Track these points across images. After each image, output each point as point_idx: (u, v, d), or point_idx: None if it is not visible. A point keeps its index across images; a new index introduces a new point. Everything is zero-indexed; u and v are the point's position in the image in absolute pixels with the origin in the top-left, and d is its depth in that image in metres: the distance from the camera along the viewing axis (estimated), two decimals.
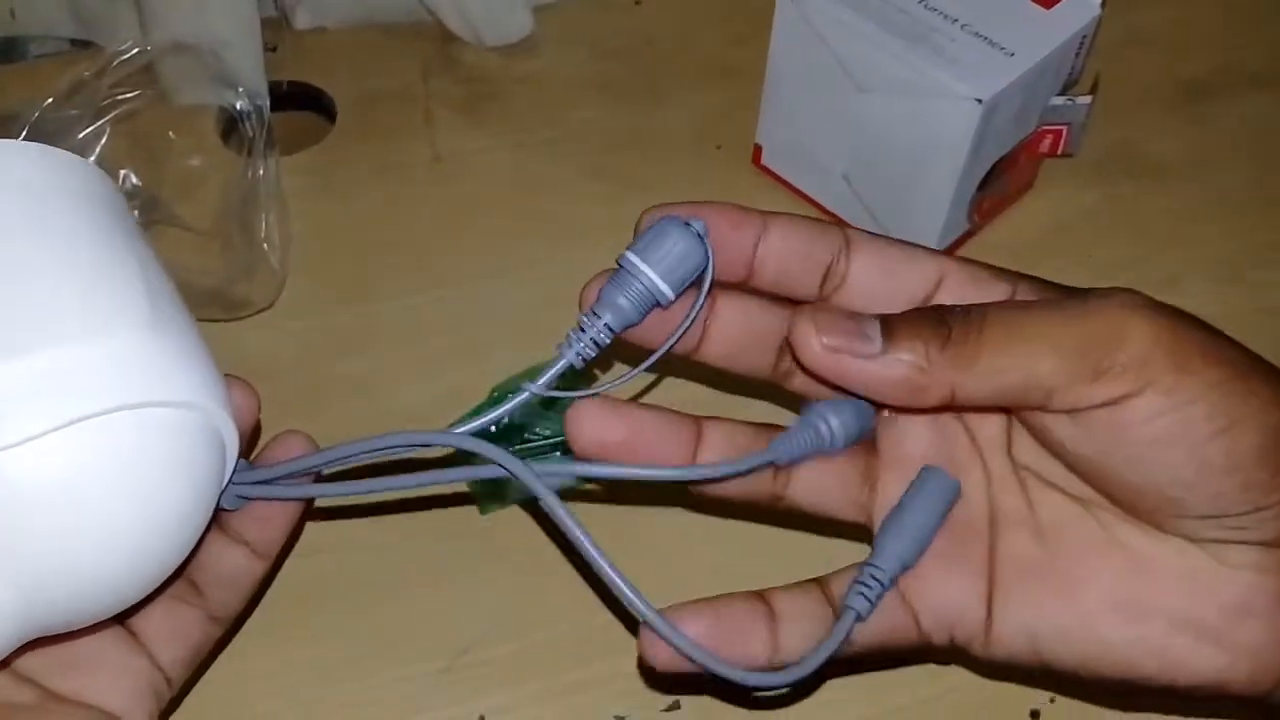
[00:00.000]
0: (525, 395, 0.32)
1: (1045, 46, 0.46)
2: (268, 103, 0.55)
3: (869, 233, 0.33)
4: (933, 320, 0.30)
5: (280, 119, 0.57)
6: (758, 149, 0.54)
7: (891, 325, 0.30)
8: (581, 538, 0.31)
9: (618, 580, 0.30)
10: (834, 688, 0.40)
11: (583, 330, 0.32)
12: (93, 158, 0.51)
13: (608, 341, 0.32)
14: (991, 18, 0.47)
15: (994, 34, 0.46)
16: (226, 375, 0.32)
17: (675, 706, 0.40)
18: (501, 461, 0.31)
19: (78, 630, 0.31)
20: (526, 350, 0.48)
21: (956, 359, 0.29)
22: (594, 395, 0.32)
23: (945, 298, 0.32)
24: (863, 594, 0.32)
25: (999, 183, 0.51)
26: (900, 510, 0.32)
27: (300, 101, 0.58)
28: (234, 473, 0.33)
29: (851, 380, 0.30)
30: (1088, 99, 0.50)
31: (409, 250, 0.52)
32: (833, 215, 0.53)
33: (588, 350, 0.32)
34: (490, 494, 0.44)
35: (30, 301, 0.28)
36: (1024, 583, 0.32)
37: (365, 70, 0.58)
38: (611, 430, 0.32)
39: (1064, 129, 0.51)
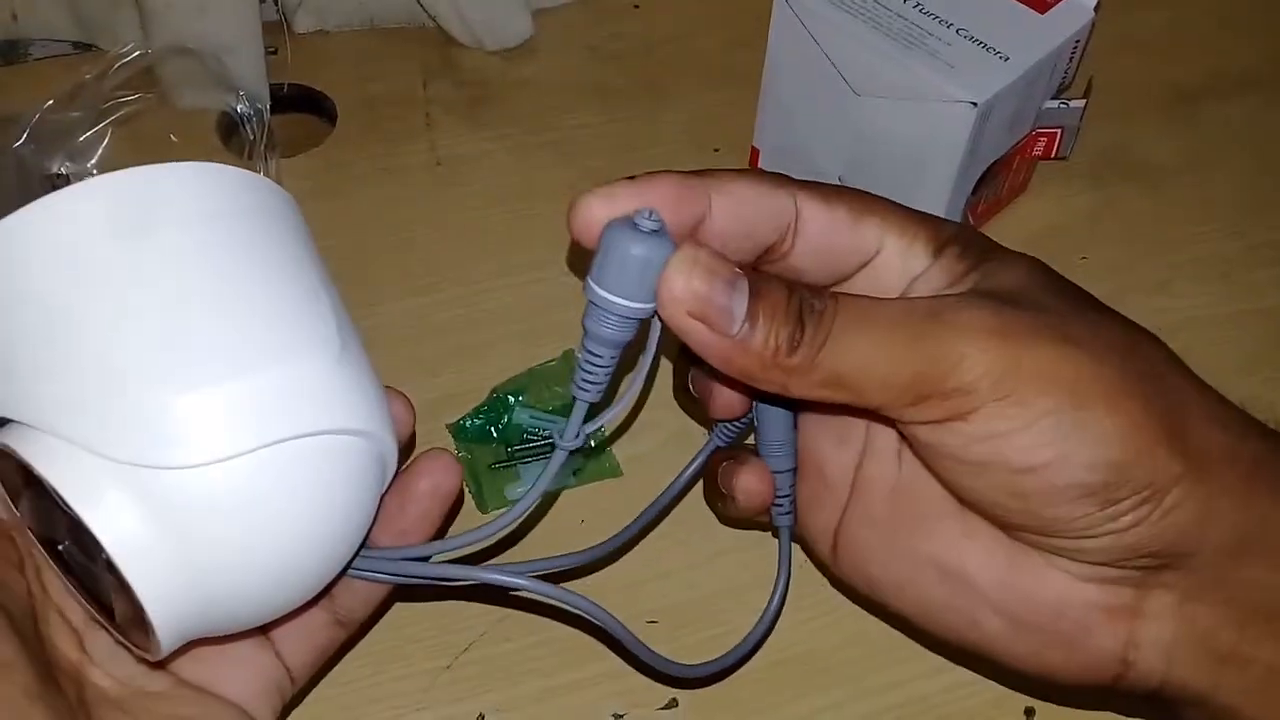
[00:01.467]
0: (561, 455, 0.34)
1: (1039, 50, 0.47)
2: (268, 106, 0.56)
3: (816, 188, 0.33)
4: (795, 317, 0.29)
5: (281, 122, 0.57)
6: (755, 152, 0.55)
7: (754, 310, 0.29)
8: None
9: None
10: (832, 688, 0.41)
11: (585, 371, 0.31)
12: (94, 160, 0.52)
13: (614, 366, 0.31)
14: (986, 22, 0.47)
15: (989, 38, 0.47)
16: (387, 388, 0.34)
17: (673, 704, 0.40)
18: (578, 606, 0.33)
19: (231, 635, 0.33)
20: (526, 351, 0.48)
21: (799, 365, 0.29)
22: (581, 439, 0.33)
23: (882, 260, 0.33)
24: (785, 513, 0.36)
25: (993, 185, 0.51)
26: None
27: (301, 104, 0.58)
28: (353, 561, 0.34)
29: (697, 345, 0.29)
30: (1081, 102, 0.50)
31: (409, 252, 0.52)
32: None
33: (600, 386, 0.32)
34: (490, 492, 0.44)
35: (233, 328, 0.29)
36: (867, 529, 0.34)
37: (365, 73, 0.59)
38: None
39: (1058, 132, 0.51)
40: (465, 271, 0.51)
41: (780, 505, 0.36)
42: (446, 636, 0.41)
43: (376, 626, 0.41)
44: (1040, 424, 0.28)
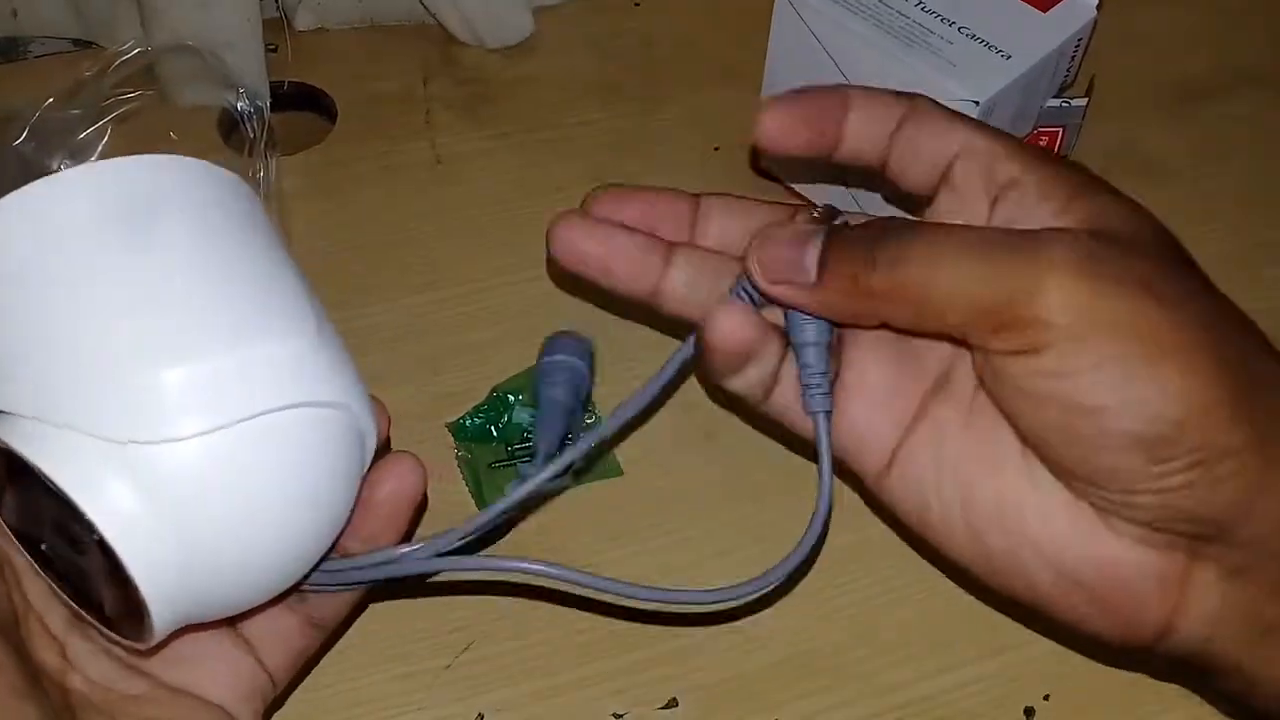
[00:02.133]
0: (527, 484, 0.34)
1: (1042, 49, 0.47)
2: (268, 103, 0.56)
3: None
4: (864, 248, 0.31)
5: (281, 119, 0.57)
6: (756, 150, 0.55)
7: (827, 254, 0.32)
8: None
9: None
10: (834, 689, 0.41)
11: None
12: (94, 157, 0.52)
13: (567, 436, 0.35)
14: (988, 20, 0.47)
15: (991, 36, 0.47)
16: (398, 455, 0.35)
17: (673, 704, 0.40)
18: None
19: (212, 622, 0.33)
20: (526, 351, 0.48)
21: (881, 295, 0.31)
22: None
23: (959, 173, 0.33)
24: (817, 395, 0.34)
25: None
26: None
27: (301, 102, 0.58)
28: (332, 551, 0.34)
29: (790, 304, 0.33)
30: (1084, 101, 0.50)
31: (409, 251, 0.52)
32: None
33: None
34: (490, 491, 0.44)
35: (214, 306, 0.30)
36: (932, 453, 0.34)
37: (366, 71, 0.59)
38: (590, 244, 0.37)
39: (1060, 131, 0.51)
40: (465, 270, 0.51)
41: (812, 386, 0.34)
42: (447, 635, 0.41)
43: (376, 625, 0.41)
44: (1105, 368, 0.28)
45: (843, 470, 0.36)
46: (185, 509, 0.29)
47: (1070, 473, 0.31)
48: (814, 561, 0.41)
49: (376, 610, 0.42)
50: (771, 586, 0.35)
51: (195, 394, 0.29)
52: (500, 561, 0.34)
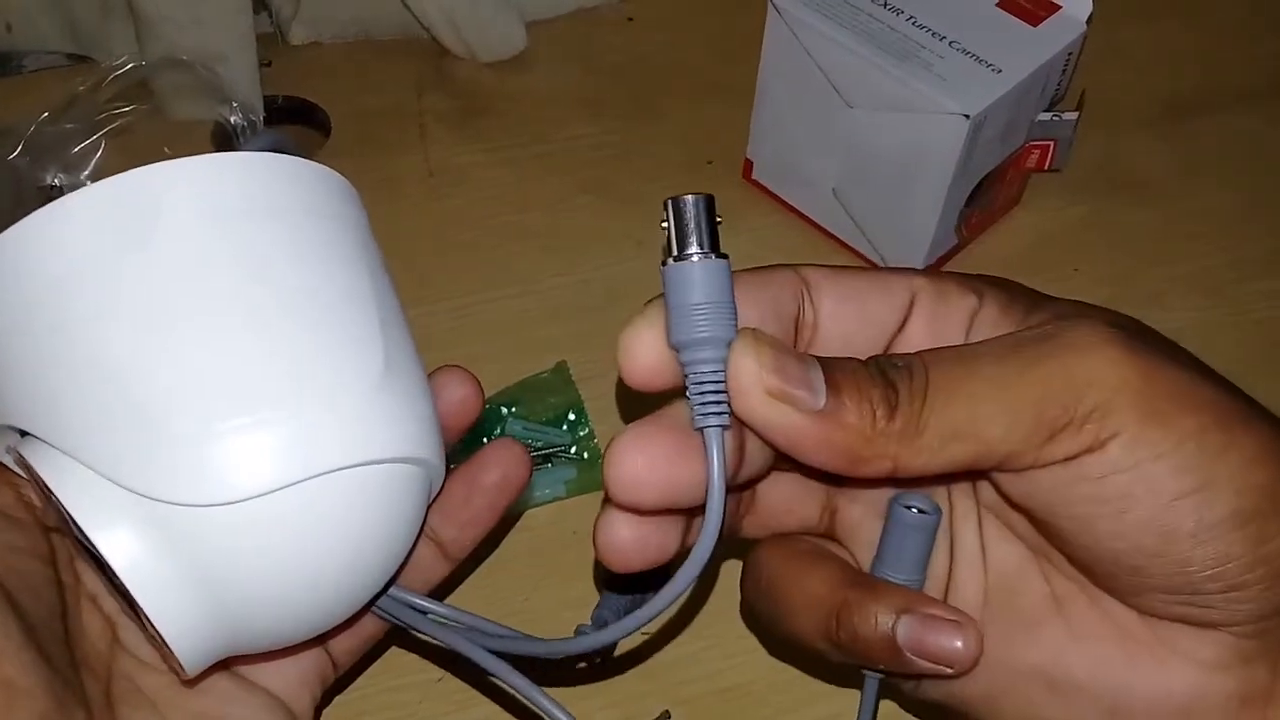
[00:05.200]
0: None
1: (1032, 63, 0.47)
2: (262, 117, 0.56)
3: (826, 267, 0.30)
4: (880, 378, 0.26)
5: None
6: (748, 164, 0.55)
7: (835, 379, 0.26)
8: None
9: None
10: (822, 700, 0.41)
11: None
12: (88, 171, 0.52)
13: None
14: (979, 34, 0.48)
15: (981, 51, 0.47)
16: (450, 367, 0.33)
17: (665, 717, 0.40)
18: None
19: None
20: (519, 363, 0.48)
21: (902, 431, 0.26)
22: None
23: (917, 321, 0.30)
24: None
25: (986, 198, 0.51)
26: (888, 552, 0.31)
27: (295, 116, 0.59)
28: (390, 586, 0.33)
29: (786, 433, 0.26)
30: (1074, 115, 0.50)
31: (402, 264, 0.52)
32: (823, 230, 0.53)
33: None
34: None
35: (260, 354, 0.27)
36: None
37: (359, 85, 0.59)
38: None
39: (1050, 145, 0.51)
40: (458, 283, 0.51)
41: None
42: (439, 647, 0.41)
43: None
44: (1186, 447, 0.25)
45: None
46: (215, 570, 0.27)
47: (1150, 586, 0.27)
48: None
49: None
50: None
51: (232, 458, 0.26)
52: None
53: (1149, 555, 0.26)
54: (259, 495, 0.27)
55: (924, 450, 0.26)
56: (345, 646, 0.35)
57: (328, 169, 0.31)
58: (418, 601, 0.33)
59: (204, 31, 0.54)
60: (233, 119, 0.52)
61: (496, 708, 0.40)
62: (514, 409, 0.46)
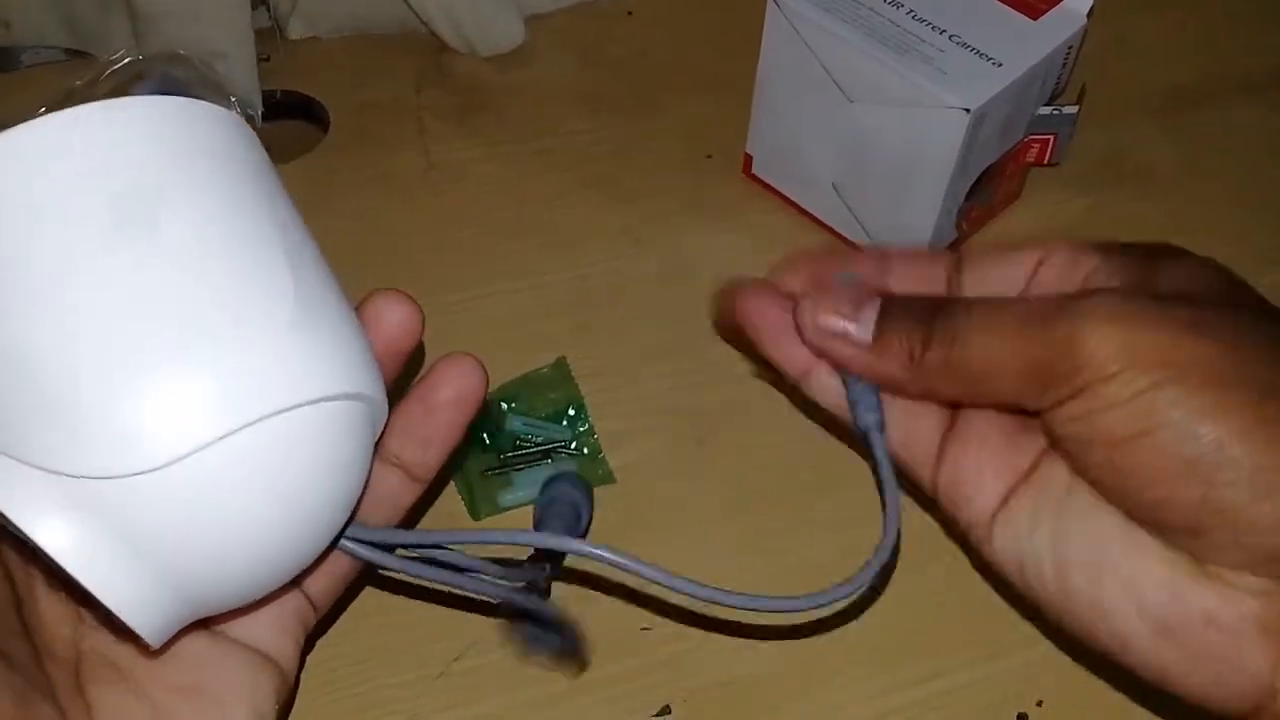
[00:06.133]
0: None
1: (1032, 57, 0.47)
2: (260, 112, 0.56)
3: (973, 252, 0.35)
4: (924, 320, 0.32)
5: (273, 128, 0.57)
6: (748, 158, 0.55)
7: (885, 316, 0.32)
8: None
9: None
10: (823, 695, 0.41)
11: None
12: None
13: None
14: (979, 28, 0.47)
15: (982, 44, 0.47)
16: (386, 291, 0.33)
17: (665, 711, 0.40)
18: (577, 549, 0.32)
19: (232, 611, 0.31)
20: (518, 359, 0.48)
21: (933, 363, 0.31)
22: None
23: (1049, 273, 0.34)
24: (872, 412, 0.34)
25: (987, 192, 0.51)
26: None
27: (293, 111, 0.58)
28: (351, 525, 0.32)
29: (843, 364, 0.33)
30: (1074, 108, 0.50)
31: (401, 259, 0.52)
32: (822, 224, 0.53)
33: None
34: (483, 499, 0.44)
35: (164, 311, 0.26)
36: (1032, 507, 0.33)
37: (358, 80, 0.59)
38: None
39: (1051, 139, 0.51)
40: (457, 278, 0.51)
41: (860, 402, 0.34)
42: (438, 644, 0.41)
43: (367, 634, 0.41)
44: (1174, 385, 0.28)
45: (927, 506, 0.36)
46: (160, 540, 0.27)
47: (1183, 523, 0.29)
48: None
49: (366, 618, 0.42)
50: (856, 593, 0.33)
51: (153, 420, 0.25)
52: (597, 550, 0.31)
53: (1173, 490, 0.29)
54: (181, 458, 0.26)
55: (950, 384, 0.31)
56: (320, 587, 0.35)
57: (213, 105, 0.29)
58: (379, 537, 0.33)
59: (202, 26, 0.54)
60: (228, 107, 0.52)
61: (497, 703, 0.40)
62: (513, 404, 0.46)
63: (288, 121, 0.58)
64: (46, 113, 0.27)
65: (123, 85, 0.50)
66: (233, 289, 0.27)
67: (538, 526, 0.39)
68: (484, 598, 0.32)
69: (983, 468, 0.34)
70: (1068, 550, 0.32)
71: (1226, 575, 0.29)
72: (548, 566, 0.37)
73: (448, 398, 0.34)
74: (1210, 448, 0.28)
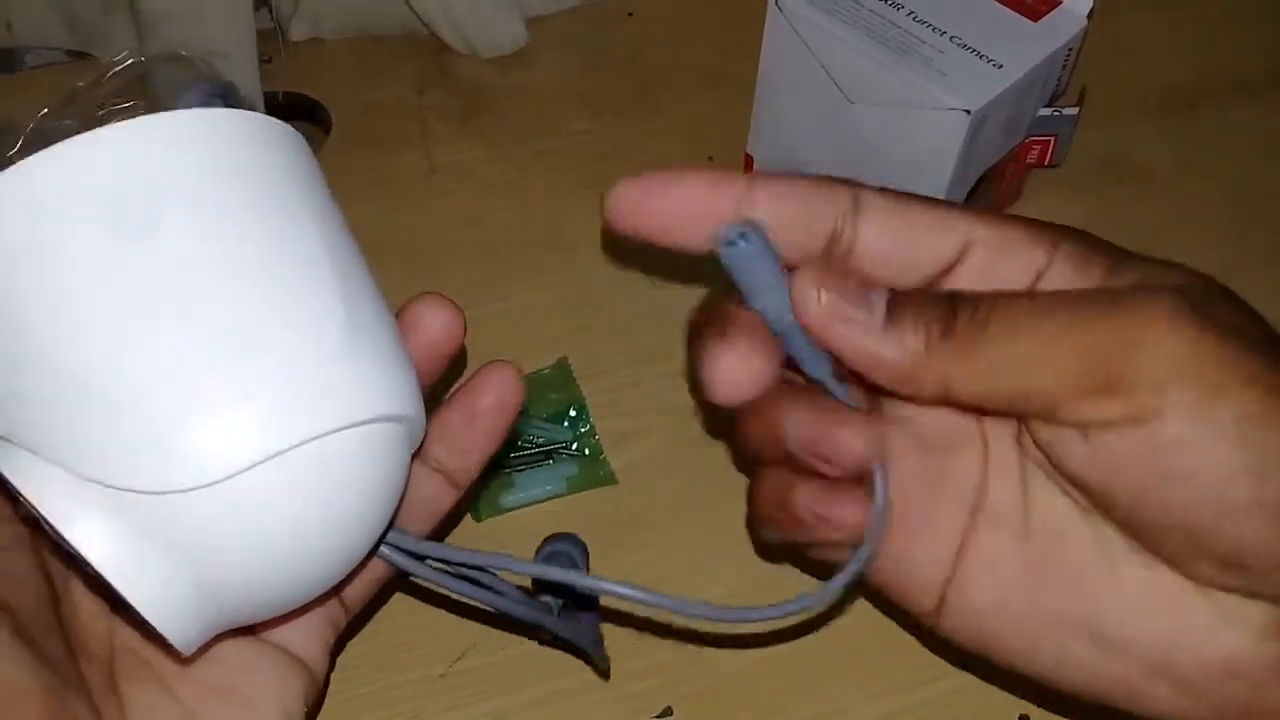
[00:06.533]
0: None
1: (1033, 58, 0.47)
2: (263, 113, 0.56)
3: (884, 190, 0.30)
4: (942, 305, 0.27)
5: None
6: (749, 159, 0.55)
7: (898, 301, 0.28)
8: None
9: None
10: (821, 699, 0.41)
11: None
12: None
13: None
14: (979, 30, 0.48)
15: (982, 46, 0.47)
16: (424, 295, 0.33)
17: (667, 713, 0.40)
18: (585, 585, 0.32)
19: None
20: (521, 360, 0.48)
21: (956, 352, 0.27)
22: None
23: (967, 270, 0.29)
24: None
25: (987, 193, 0.51)
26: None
27: (295, 112, 0.58)
28: (390, 531, 0.32)
29: (845, 349, 0.28)
30: (1074, 110, 0.50)
31: (404, 260, 0.52)
32: None
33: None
34: (485, 500, 0.44)
35: (213, 333, 0.26)
36: (989, 584, 0.31)
37: (360, 81, 0.59)
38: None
39: (1051, 140, 0.51)
40: (459, 279, 0.51)
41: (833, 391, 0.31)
42: (441, 644, 0.41)
43: (369, 634, 0.41)
44: (1243, 421, 0.25)
45: (890, 607, 0.33)
46: (199, 553, 0.27)
47: (1207, 556, 0.27)
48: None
49: (371, 619, 0.42)
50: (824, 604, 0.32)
51: (205, 439, 0.26)
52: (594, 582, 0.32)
53: (1204, 526, 0.26)
54: (228, 477, 0.26)
55: (978, 377, 0.27)
56: (353, 591, 0.35)
57: (263, 117, 0.30)
58: (415, 548, 0.33)
59: (205, 27, 0.54)
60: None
61: (499, 703, 0.40)
62: None
63: (290, 123, 0.58)
64: (48, 114, 0.27)
65: (127, 87, 0.50)
66: (285, 310, 0.27)
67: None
68: (510, 616, 0.33)
69: (912, 547, 0.32)
70: (1056, 624, 0.30)
71: (1247, 617, 0.27)
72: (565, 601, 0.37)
73: (489, 405, 0.34)
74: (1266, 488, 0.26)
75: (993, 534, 0.31)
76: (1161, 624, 0.28)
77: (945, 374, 0.27)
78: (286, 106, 0.58)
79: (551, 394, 0.47)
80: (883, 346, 0.27)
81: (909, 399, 0.30)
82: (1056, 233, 0.30)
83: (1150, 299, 0.26)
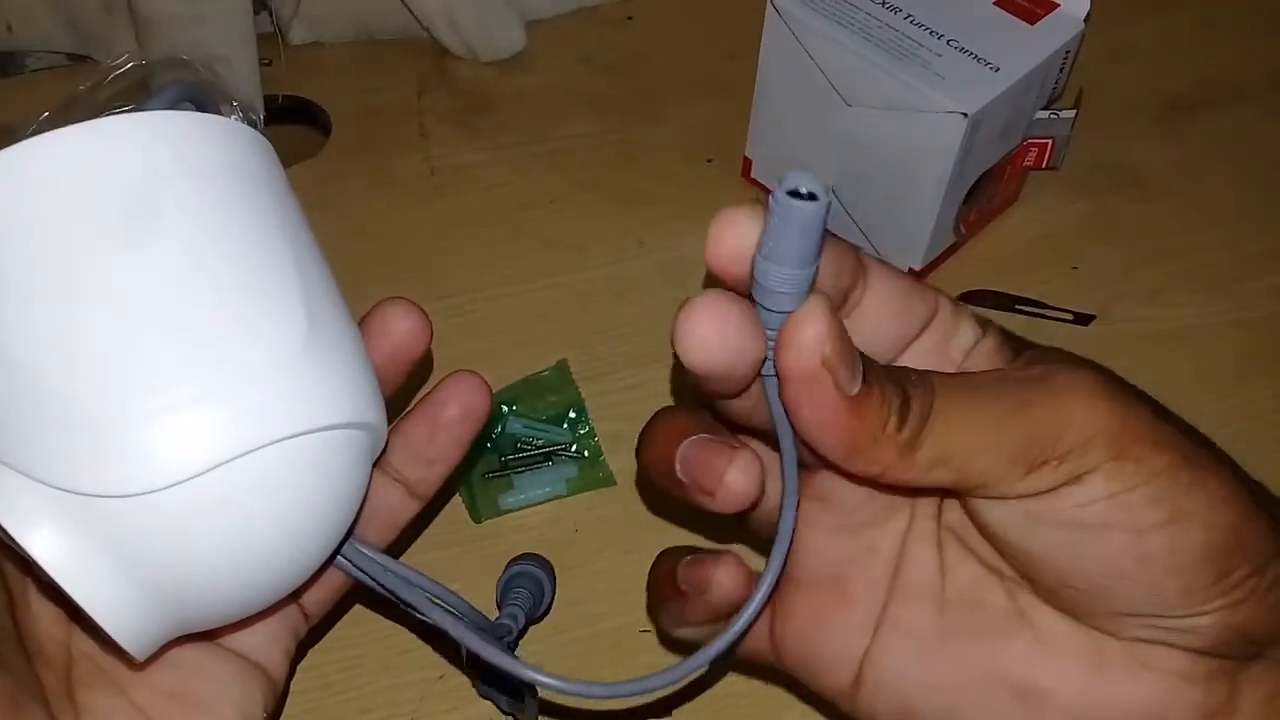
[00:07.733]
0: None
1: (1030, 61, 0.47)
2: (263, 117, 0.56)
3: (877, 259, 0.30)
4: (900, 390, 0.27)
5: (275, 133, 0.57)
6: (748, 162, 0.55)
7: (870, 375, 0.27)
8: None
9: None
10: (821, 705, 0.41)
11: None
12: None
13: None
14: (977, 33, 0.48)
15: (979, 49, 0.47)
16: (390, 300, 0.32)
17: (665, 714, 0.40)
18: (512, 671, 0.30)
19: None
20: (519, 362, 0.48)
21: (904, 443, 0.27)
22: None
23: (931, 336, 0.30)
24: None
25: (985, 196, 0.51)
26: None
27: (295, 116, 0.59)
28: (347, 541, 0.32)
29: (813, 408, 0.26)
30: (1072, 113, 0.51)
31: (404, 263, 0.52)
32: None
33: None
34: (484, 502, 0.44)
35: (174, 335, 0.26)
36: (909, 654, 0.31)
37: (360, 85, 0.59)
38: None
39: (1049, 142, 0.51)
40: (459, 281, 0.52)
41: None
42: (440, 646, 0.41)
43: (367, 637, 0.41)
44: (1158, 481, 0.26)
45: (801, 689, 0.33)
46: (153, 558, 0.27)
47: (1126, 610, 0.28)
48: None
49: (365, 621, 0.42)
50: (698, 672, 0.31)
51: (159, 442, 0.25)
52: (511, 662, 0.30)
53: (1121, 579, 0.27)
54: (184, 480, 0.26)
55: (914, 467, 0.27)
56: (314, 598, 0.35)
57: (232, 122, 0.29)
58: (376, 559, 0.33)
59: (205, 31, 0.54)
60: (233, 118, 0.52)
61: (495, 707, 0.40)
62: (514, 407, 0.46)
63: (290, 126, 0.59)
64: (49, 117, 0.27)
65: (127, 90, 0.51)
66: (244, 315, 0.27)
67: (500, 603, 0.40)
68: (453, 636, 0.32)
69: (828, 619, 0.31)
70: (976, 688, 0.30)
71: (1167, 663, 0.28)
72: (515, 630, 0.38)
73: (453, 415, 0.34)
74: (1231, 535, 0.27)
75: (911, 605, 0.31)
76: (1080, 675, 0.29)
77: (888, 461, 0.27)
78: (287, 110, 0.58)
79: (551, 396, 0.47)
80: (849, 416, 0.26)
81: (838, 471, 0.28)
82: (986, 319, 0.31)
83: (1073, 377, 0.27)
